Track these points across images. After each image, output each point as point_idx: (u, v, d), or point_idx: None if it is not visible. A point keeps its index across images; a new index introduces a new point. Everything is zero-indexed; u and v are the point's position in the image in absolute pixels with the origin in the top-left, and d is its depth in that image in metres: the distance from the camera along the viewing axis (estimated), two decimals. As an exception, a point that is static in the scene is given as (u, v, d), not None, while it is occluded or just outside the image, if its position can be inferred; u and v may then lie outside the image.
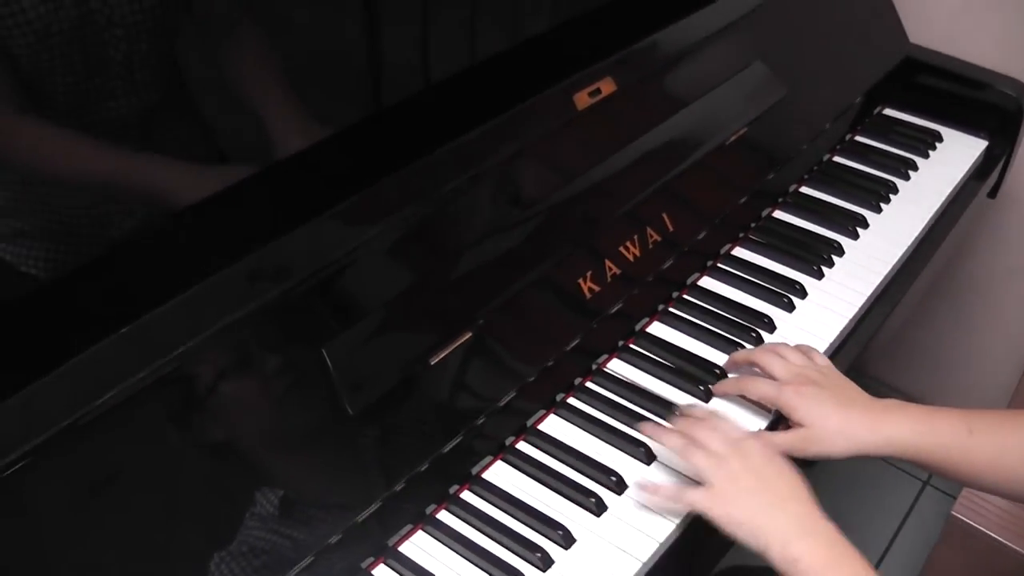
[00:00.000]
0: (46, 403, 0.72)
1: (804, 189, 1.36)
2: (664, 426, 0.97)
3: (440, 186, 0.93)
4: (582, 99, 1.02)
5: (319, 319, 0.86)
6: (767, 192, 1.31)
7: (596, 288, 1.04)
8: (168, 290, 0.78)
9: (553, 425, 1.01)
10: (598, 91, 1.04)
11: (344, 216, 0.88)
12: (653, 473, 0.97)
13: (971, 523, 1.38)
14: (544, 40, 1.07)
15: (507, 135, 0.97)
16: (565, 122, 1.01)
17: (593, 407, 1.03)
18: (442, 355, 0.91)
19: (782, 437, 0.96)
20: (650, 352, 1.09)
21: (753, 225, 1.27)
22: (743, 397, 1.03)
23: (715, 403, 1.04)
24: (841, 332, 1.14)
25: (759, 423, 1.02)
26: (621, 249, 1.07)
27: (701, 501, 0.87)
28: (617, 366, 1.08)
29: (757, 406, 1.03)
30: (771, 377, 1.01)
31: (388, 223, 0.90)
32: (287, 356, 0.86)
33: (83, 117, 1.37)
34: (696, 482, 0.91)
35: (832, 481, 1.34)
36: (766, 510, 0.84)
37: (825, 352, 1.11)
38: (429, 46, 1.05)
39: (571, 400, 1.04)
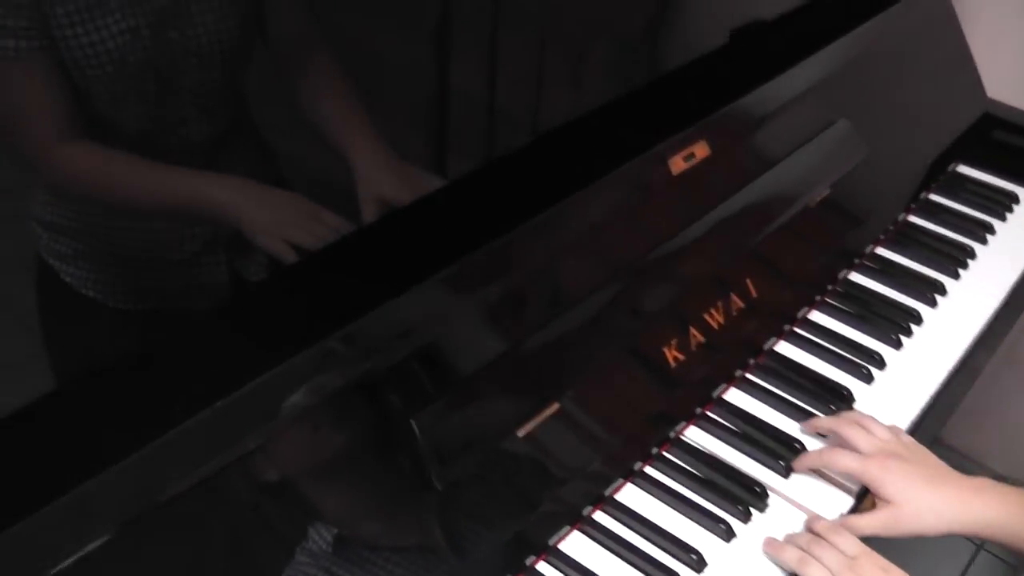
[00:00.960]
0: (150, 472, 0.71)
1: (880, 251, 1.33)
2: (782, 543, 0.95)
3: (532, 255, 0.91)
4: (677, 164, 1.00)
5: (408, 390, 0.84)
6: (843, 252, 1.28)
7: (680, 357, 1.01)
8: (269, 358, 0.76)
9: (630, 495, 0.99)
10: (692, 155, 1.01)
11: (435, 287, 0.85)
12: (734, 551, 0.95)
13: (1034, 598, 1.35)
14: (632, 102, 1.05)
15: (600, 201, 0.95)
16: (658, 188, 0.99)
17: (671, 478, 1.01)
18: (529, 427, 0.89)
19: (871, 519, 0.94)
20: (728, 421, 1.07)
21: (830, 288, 1.25)
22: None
23: (795, 477, 1.02)
24: (923, 409, 1.11)
25: (843, 499, 1.00)
26: (705, 316, 1.05)
27: None
28: (695, 435, 1.05)
29: (840, 481, 1.01)
30: (854, 449, 0.99)
31: (479, 294, 0.88)
32: (375, 426, 0.84)
33: (153, 144, 1.36)
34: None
35: (875, 540, 1.31)
36: None
37: (905, 428, 1.08)
38: (519, 107, 1.03)
39: (648, 469, 1.01)
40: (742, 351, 1.12)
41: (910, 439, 1.02)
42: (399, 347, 0.82)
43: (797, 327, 1.19)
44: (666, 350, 1.00)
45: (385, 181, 1.23)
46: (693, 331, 1.03)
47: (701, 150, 1.02)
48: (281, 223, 1.14)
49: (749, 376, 1.12)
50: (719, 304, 1.06)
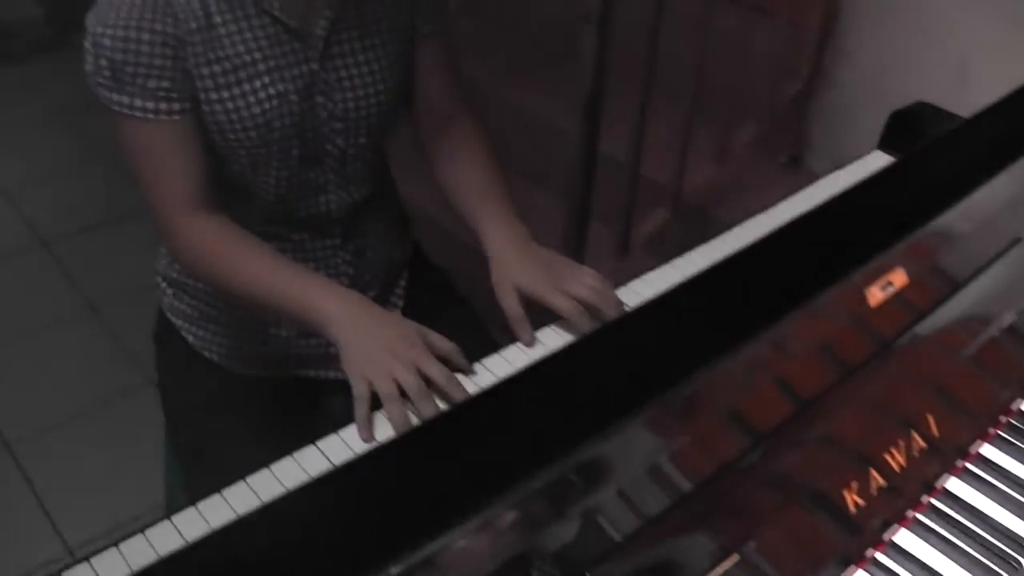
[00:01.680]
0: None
1: (1055, 378, 1.23)
2: None
3: (713, 397, 0.84)
4: (874, 294, 0.92)
5: (585, 543, 0.77)
6: (1018, 380, 1.19)
7: (860, 501, 0.93)
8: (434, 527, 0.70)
9: (797, 648, 0.91)
10: (890, 284, 0.93)
11: (614, 435, 0.78)
12: None
13: None
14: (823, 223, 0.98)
15: (789, 336, 0.87)
16: (852, 321, 0.91)
17: (840, 631, 0.93)
18: (709, 580, 0.82)
19: None
20: (900, 567, 0.98)
21: (1002, 419, 1.15)
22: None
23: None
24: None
25: None
26: (886, 456, 0.96)
27: None
28: (864, 583, 0.97)
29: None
30: None
31: (660, 438, 0.80)
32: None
33: (290, 211, 1.31)
34: None
35: None
36: None
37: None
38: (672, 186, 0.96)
39: (815, 619, 0.93)
40: (917, 491, 1.03)
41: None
42: (572, 510, 0.76)
43: (969, 463, 1.10)
44: (847, 493, 0.92)
45: (522, 269, 1.16)
46: (873, 472, 0.95)
47: (899, 278, 0.94)
48: (375, 362, 1.05)
49: (920, 517, 1.03)
50: (899, 443, 0.98)
